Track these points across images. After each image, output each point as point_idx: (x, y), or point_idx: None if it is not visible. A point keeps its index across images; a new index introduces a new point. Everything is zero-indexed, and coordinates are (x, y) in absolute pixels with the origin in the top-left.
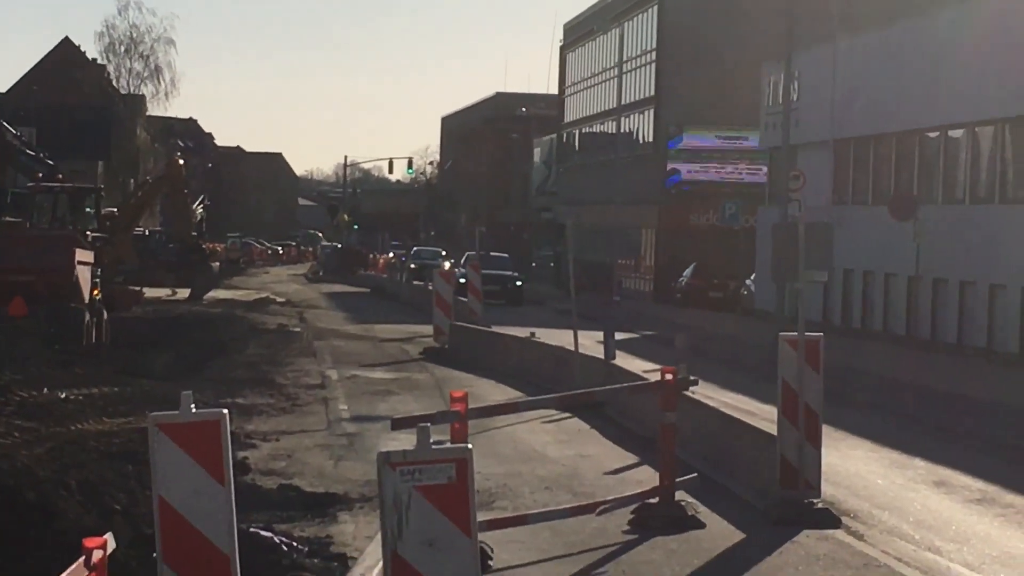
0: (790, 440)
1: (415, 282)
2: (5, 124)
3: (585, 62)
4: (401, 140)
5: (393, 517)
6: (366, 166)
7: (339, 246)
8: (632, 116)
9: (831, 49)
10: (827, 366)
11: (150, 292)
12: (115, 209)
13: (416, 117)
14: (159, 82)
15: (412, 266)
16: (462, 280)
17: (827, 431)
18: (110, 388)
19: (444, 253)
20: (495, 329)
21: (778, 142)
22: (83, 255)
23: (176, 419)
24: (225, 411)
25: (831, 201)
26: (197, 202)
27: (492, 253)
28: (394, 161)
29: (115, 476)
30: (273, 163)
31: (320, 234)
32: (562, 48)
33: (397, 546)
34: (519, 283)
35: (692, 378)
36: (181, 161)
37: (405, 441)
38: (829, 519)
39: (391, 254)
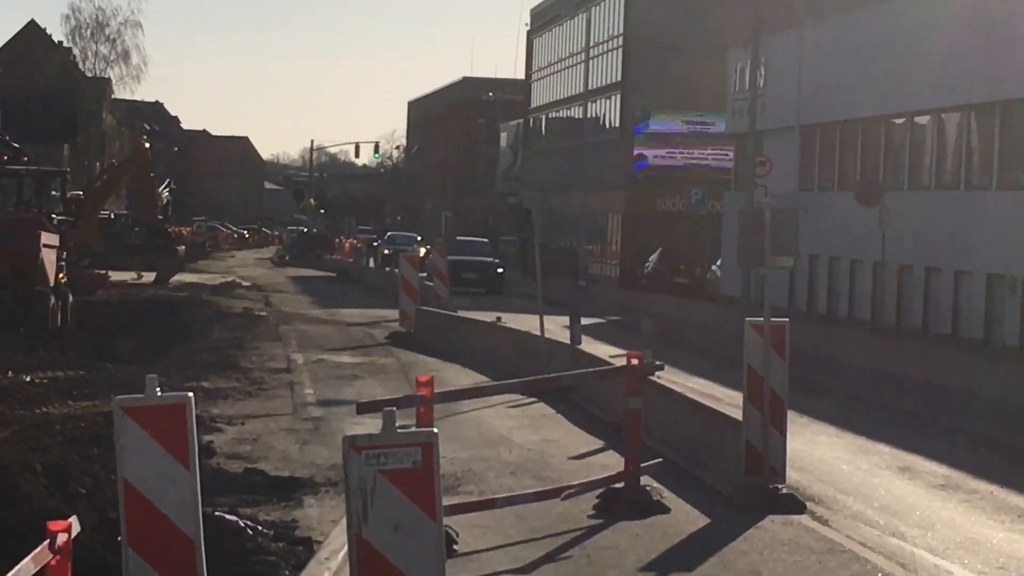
0: (755, 426)
1: (387, 268)
2: None
3: (552, 47)
4: (367, 125)
5: (358, 501)
6: (332, 150)
7: (305, 230)
8: (599, 101)
9: (798, 36)
10: (793, 352)
11: (116, 276)
12: (81, 192)
13: (382, 102)
14: (126, 65)
15: (386, 252)
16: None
17: (792, 417)
18: (75, 372)
19: (420, 238)
20: (461, 314)
21: (745, 128)
22: (48, 238)
23: (141, 403)
24: (190, 394)
25: (797, 187)
26: (163, 186)
27: (470, 237)
28: (360, 145)
29: (80, 460)
30: (239, 147)
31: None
32: (529, 33)
33: (362, 530)
34: (500, 270)
35: (658, 363)
36: (147, 144)
37: (371, 425)
38: (794, 504)
39: (357, 239)
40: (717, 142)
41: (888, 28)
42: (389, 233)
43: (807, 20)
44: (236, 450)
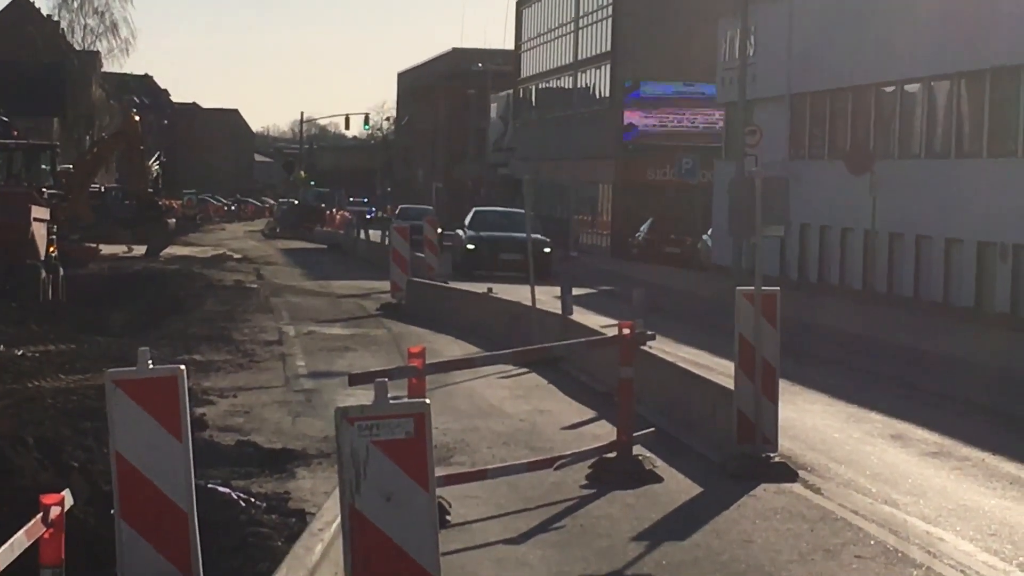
0: (747, 394)
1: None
2: None
3: (541, 17)
4: (357, 96)
5: (351, 472)
6: (322, 122)
7: (295, 202)
8: (588, 71)
9: (787, 4)
10: (784, 320)
11: (106, 249)
12: (71, 166)
13: (372, 73)
14: (115, 38)
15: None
16: (471, 247)
17: (784, 385)
18: (67, 345)
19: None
20: (452, 285)
21: (735, 97)
22: (39, 212)
23: (133, 375)
24: (182, 367)
25: (788, 156)
26: (153, 158)
27: (505, 208)
28: (350, 117)
29: (72, 433)
30: (229, 119)
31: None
32: (518, 4)
33: (355, 501)
34: (547, 249)
35: (649, 333)
36: (137, 118)
37: (363, 397)
38: (786, 473)
39: (348, 211)
40: (708, 106)
41: None
42: (401, 206)
43: None
44: (228, 422)
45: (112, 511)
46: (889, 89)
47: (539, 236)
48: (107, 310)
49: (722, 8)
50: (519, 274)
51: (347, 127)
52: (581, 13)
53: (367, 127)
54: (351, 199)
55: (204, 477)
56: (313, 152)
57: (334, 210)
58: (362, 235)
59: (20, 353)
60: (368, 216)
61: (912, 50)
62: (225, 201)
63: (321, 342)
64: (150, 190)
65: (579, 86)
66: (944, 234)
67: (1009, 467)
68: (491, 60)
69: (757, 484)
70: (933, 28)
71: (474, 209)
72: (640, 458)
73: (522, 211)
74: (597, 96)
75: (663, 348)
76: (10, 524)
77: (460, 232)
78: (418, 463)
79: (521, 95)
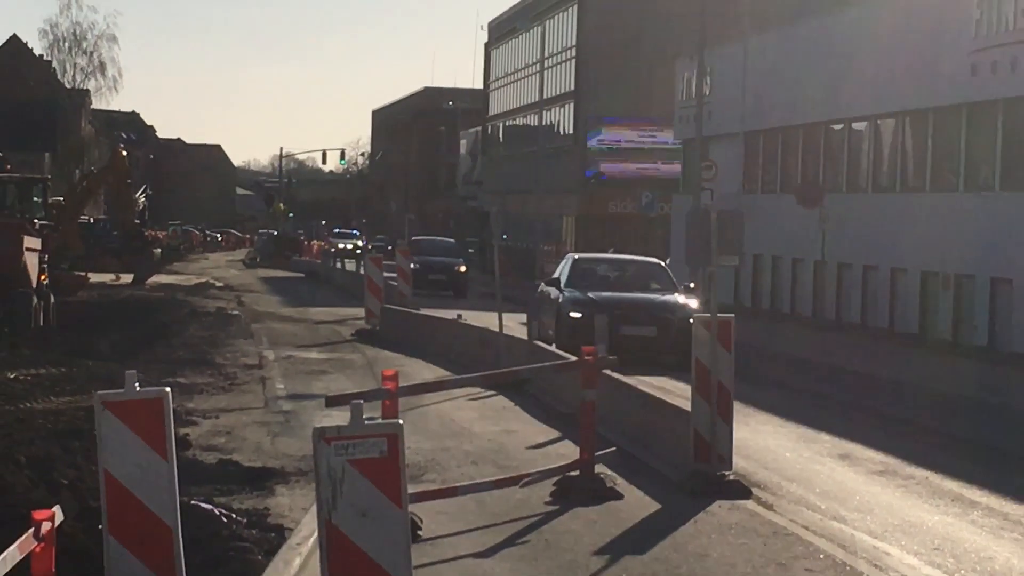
0: (703, 416)
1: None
2: None
3: (509, 58)
4: (334, 132)
5: (328, 489)
6: (301, 157)
7: (275, 233)
8: (553, 109)
9: (741, 46)
10: (738, 346)
11: (95, 277)
12: (61, 198)
13: (348, 110)
14: (103, 77)
15: (415, 267)
16: (576, 315)
17: (738, 407)
18: (57, 369)
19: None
20: (424, 312)
21: (692, 134)
22: (31, 242)
23: (121, 397)
24: (167, 389)
25: (742, 189)
26: (139, 192)
27: (617, 255)
28: (327, 152)
29: (62, 452)
30: (212, 154)
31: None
32: (486, 45)
33: (332, 517)
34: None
35: (612, 357)
36: (124, 153)
37: (339, 418)
38: (740, 490)
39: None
40: (667, 155)
41: (827, 38)
42: (413, 238)
43: (751, 31)
44: (211, 442)
45: (100, 526)
46: (837, 127)
47: (679, 298)
48: (96, 335)
49: (680, 50)
50: (650, 355)
51: (324, 162)
52: (547, 54)
53: (343, 162)
54: (335, 229)
55: (188, 494)
56: (292, 185)
57: (311, 240)
58: (338, 264)
59: (12, 376)
60: (358, 252)
61: (859, 90)
62: (209, 232)
63: (299, 366)
64: (136, 221)
65: (544, 123)
66: (890, 264)
67: (951, 485)
68: (461, 98)
69: (713, 501)
70: (879, 69)
71: (571, 256)
72: (602, 476)
73: (648, 259)
74: (561, 133)
75: (624, 372)
76: (3, 539)
77: (552, 290)
78: (392, 481)
79: (489, 131)
